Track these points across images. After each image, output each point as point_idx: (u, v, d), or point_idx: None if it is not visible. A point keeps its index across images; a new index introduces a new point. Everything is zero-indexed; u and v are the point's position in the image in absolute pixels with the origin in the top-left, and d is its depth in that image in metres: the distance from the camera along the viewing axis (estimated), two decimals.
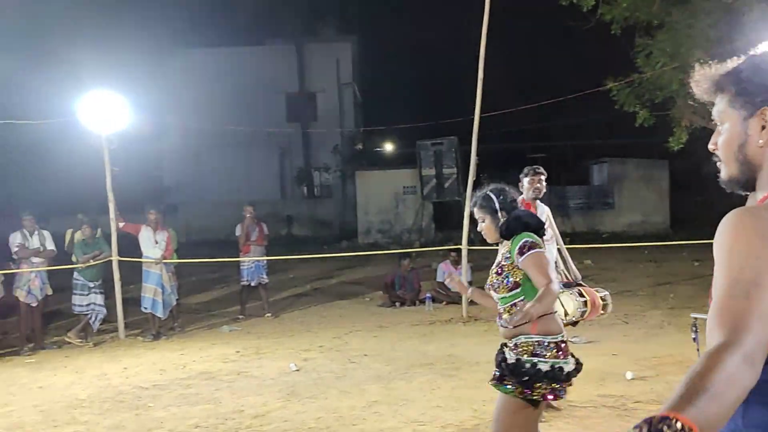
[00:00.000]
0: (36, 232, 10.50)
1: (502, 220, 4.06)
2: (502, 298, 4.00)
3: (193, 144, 28.85)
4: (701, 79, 1.76)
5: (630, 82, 14.27)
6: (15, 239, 10.37)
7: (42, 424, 6.69)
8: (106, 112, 9.89)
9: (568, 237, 19.56)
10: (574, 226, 25.84)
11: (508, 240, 3.99)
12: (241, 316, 11.97)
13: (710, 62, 1.78)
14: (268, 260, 12.39)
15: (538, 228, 4.02)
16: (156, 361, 9.14)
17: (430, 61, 34.75)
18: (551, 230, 6.60)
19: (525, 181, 6.78)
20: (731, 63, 1.75)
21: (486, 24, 11.06)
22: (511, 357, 3.86)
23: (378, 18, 35.23)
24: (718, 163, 1.81)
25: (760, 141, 1.65)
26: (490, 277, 4.07)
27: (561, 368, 3.80)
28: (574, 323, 5.02)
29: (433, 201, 22.30)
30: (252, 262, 11.98)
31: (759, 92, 1.65)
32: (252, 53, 32.22)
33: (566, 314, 4.90)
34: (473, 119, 11.46)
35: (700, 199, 22.98)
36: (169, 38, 30.01)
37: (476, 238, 16.99)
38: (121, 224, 10.62)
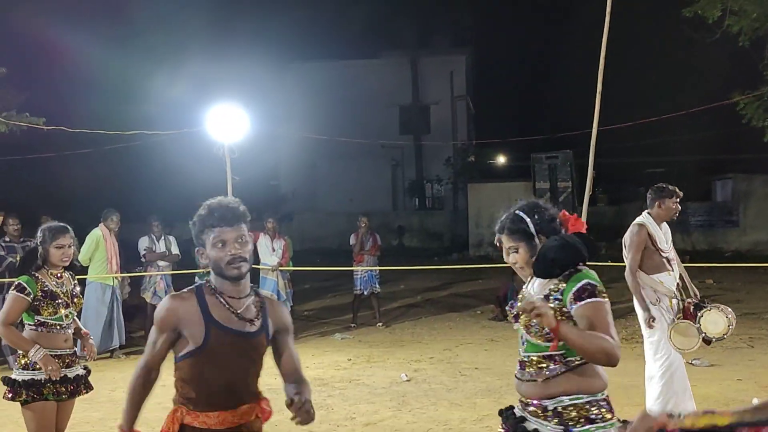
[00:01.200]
0: (162, 237, 11.03)
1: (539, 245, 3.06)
2: (533, 345, 3.01)
3: (309, 155, 29.57)
4: None
5: (759, 95, 13.68)
6: (143, 243, 10.93)
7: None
8: (229, 123, 10.29)
9: (687, 255, 18.86)
10: (695, 244, 24.86)
11: (555, 277, 2.98)
12: (353, 325, 12.16)
13: None
14: (380, 270, 12.54)
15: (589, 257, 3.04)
16: (270, 366, 9.39)
17: (544, 73, 34.34)
18: (673, 252, 6.40)
19: (660, 202, 6.27)
20: None
21: (606, 35, 10.82)
22: (550, 429, 2.93)
23: (492, 30, 35.13)
24: None
25: None
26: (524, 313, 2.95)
27: None
28: (709, 342, 4.80)
29: None
30: (365, 271, 12.16)
31: None
32: (366, 66, 32.75)
33: (707, 333, 4.68)
34: (590, 132, 11.24)
35: None
36: (287, 53, 30.93)
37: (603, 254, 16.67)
38: None
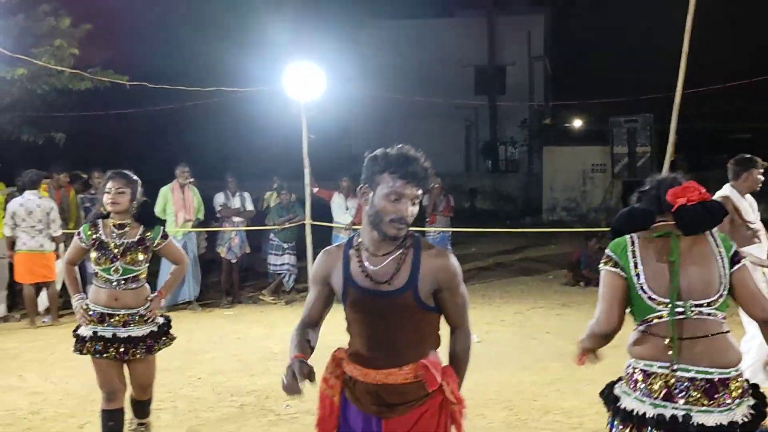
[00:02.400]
0: (237, 193, 11.20)
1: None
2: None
3: (382, 115, 29.47)
4: None
5: None
6: (218, 199, 11.13)
7: (240, 372, 7.18)
8: (305, 81, 10.33)
9: None
10: None
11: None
12: None
13: None
14: (452, 232, 12.49)
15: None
16: (340, 321, 9.50)
17: (625, 34, 33.24)
18: (760, 224, 6.17)
19: (746, 173, 6.08)
20: None
21: None
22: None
23: None
24: None
25: None
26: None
27: None
28: None
29: (624, 180, 21.47)
30: (438, 232, 12.13)
31: None
32: (442, 25, 32.32)
33: None
34: (672, 96, 10.85)
35: None
36: (361, 11, 30.72)
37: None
38: (315, 189, 11.08)
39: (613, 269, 2.99)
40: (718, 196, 6.06)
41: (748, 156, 6.17)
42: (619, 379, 3.09)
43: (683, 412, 2.78)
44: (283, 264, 11.27)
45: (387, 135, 31.35)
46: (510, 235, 17.47)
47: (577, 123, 30.51)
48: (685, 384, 2.81)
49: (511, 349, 7.99)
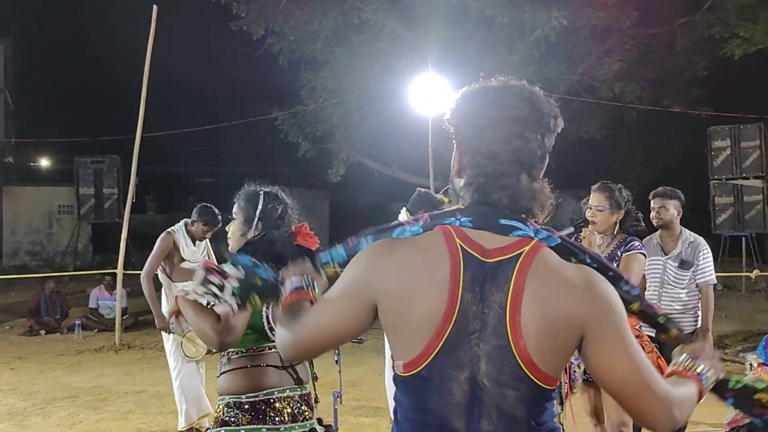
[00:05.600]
0: None
1: None
2: None
3: None
4: None
5: (294, 113, 14.82)
6: None
7: None
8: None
9: None
10: None
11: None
12: None
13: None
14: None
15: None
16: None
17: (91, 72, 32.77)
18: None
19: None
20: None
21: (152, 40, 10.69)
22: None
23: (36, 19, 32.59)
24: None
25: None
26: None
27: None
28: None
29: (91, 222, 20.99)
30: None
31: None
32: None
33: None
34: (134, 138, 10.98)
35: (357, 230, 24.38)
36: None
37: (136, 262, 16.28)
38: None
39: None
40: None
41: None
42: None
43: None
44: None
45: None
46: None
47: (44, 162, 29.05)
48: None
49: None
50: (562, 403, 4.24)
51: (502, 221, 1.71)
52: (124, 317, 11.34)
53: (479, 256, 1.70)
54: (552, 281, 1.68)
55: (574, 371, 4.22)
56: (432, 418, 1.74)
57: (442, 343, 1.69)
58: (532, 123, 1.73)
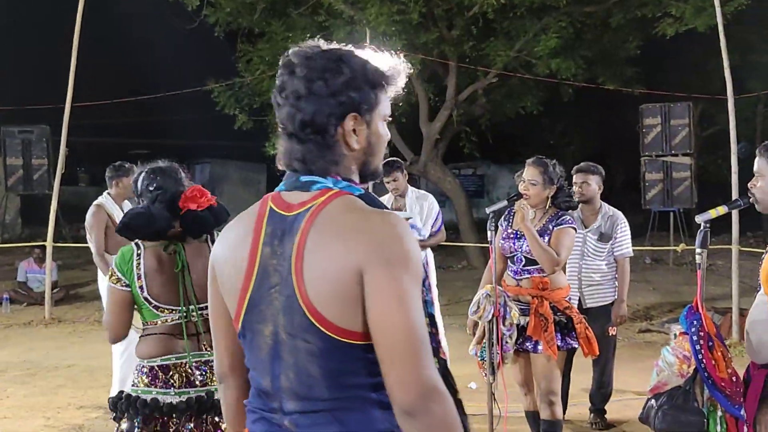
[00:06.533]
0: None
1: None
2: None
3: None
4: None
5: (230, 85, 14.60)
6: None
7: None
8: None
9: None
10: None
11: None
12: None
13: None
14: None
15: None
16: None
17: (20, 37, 31.70)
18: None
19: (117, 181, 6.43)
20: None
21: (82, 5, 10.38)
22: None
23: None
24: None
25: None
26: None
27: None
28: None
29: (20, 194, 20.39)
30: None
31: None
32: None
33: None
34: (64, 107, 10.67)
35: None
36: None
37: (67, 234, 15.90)
38: None
39: (116, 285, 3.15)
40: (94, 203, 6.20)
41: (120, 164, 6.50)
42: None
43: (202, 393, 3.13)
44: None
45: None
46: None
47: None
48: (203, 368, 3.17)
49: None
50: (494, 373, 4.34)
51: (303, 178, 1.73)
52: (54, 291, 11.08)
53: (283, 212, 1.72)
54: (333, 225, 1.64)
55: (506, 341, 4.30)
56: (254, 377, 1.77)
57: (247, 299, 1.72)
58: (301, 87, 1.69)
